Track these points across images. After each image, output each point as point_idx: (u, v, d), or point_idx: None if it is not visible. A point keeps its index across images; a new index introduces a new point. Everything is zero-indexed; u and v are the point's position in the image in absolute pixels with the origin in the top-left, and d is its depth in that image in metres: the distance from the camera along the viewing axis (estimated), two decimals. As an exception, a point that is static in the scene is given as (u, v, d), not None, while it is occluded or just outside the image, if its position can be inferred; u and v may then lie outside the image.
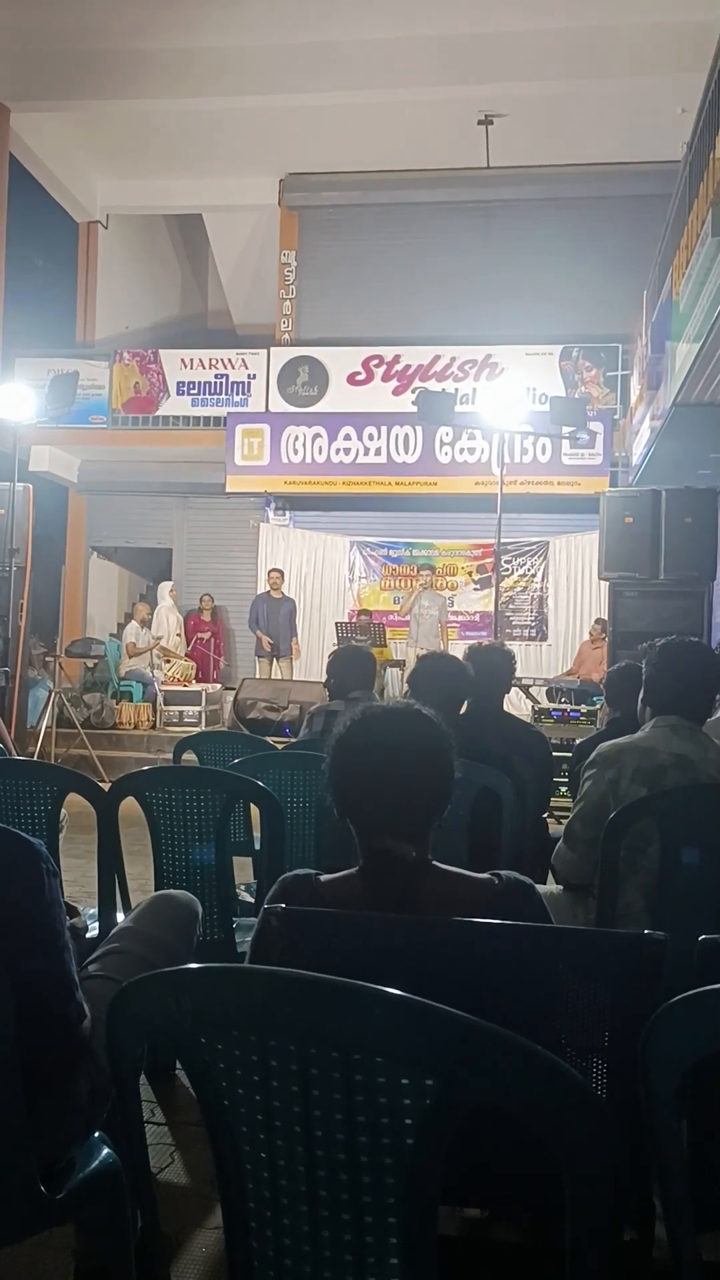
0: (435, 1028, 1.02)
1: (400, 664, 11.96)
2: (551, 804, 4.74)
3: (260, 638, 11.93)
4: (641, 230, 11.54)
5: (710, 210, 5.53)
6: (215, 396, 12.93)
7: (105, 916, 2.96)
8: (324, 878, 1.77)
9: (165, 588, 12.99)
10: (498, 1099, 1.02)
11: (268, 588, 12.13)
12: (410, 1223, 1.06)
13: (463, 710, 3.97)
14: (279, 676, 11.68)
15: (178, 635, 12.45)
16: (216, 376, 12.97)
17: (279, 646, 11.90)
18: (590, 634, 11.54)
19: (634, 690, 3.13)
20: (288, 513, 13.59)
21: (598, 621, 11.41)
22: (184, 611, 13.36)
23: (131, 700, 11.42)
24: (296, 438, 12.44)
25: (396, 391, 12.47)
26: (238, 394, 12.88)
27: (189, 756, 4.83)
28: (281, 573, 12.31)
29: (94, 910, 3.04)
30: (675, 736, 2.79)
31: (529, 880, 1.79)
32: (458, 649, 9.60)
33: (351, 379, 12.64)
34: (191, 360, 13.05)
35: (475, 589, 13.01)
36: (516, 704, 9.79)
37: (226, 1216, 1.17)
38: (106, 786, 3.18)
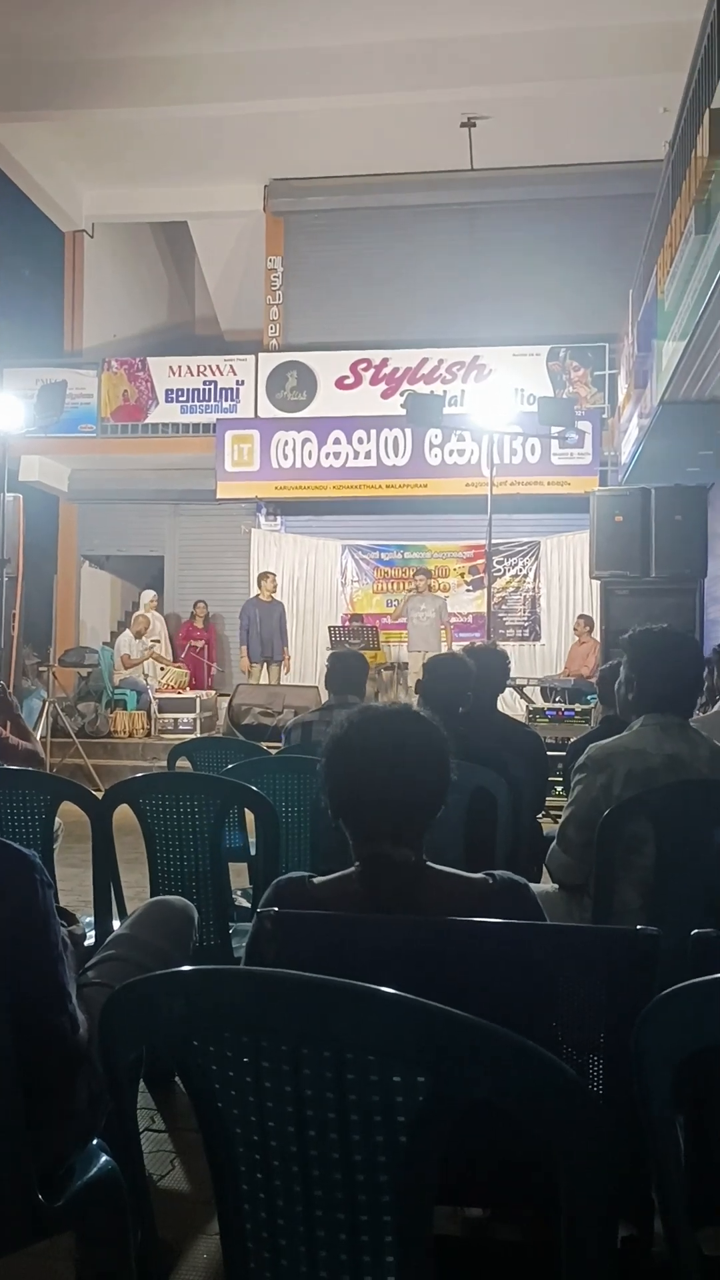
0: (425, 1025, 1.02)
1: (393, 667, 11.96)
2: (546, 803, 4.75)
3: (243, 653, 11.87)
4: (626, 230, 11.57)
5: (693, 209, 5.54)
6: (204, 403, 12.93)
7: (101, 924, 2.96)
8: (318, 879, 1.77)
9: (146, 596, 12.98)
10: (491, 1095, 1.02)
11: (257, 592, 12.09)
12: (405, 1222, 1.06)
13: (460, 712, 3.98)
14: (271, 682, 11.66)
15: (155, 641, 12.42)
16: (205, 383, 12.97)
17: (273, 651, 11.88)
18: (575, 629, 11.56)
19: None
20: (279, 518, 13.58)
21: (581, 618, 11.44)
22: (176, 619, 13.35)
23: (126, 708, 11.40)
24: (286, 443, 12.44)
25: (385, 394, 12.48)
26: (226, 400, 12.88)
27: (183, 763, 4.83)
28: (274, 576, 12.30)
29: (90, 918, 3.04)
30: (666, 736, 2.77)
31: (522, 879, 1.80)
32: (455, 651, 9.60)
33: (340, 383, 12.64)
34: (180, 367, 13.06)
35: (468, 590, 13.01)
36: (511, 704, 9.79)
37: (222, 1218, 1.17)
38: (101, 795, 3.18)
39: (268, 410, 12.71)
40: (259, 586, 12.09)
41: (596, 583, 9.80)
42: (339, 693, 4.48)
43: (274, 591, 12.11)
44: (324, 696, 5.52)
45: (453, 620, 12.11)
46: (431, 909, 1.67)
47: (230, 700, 10.83)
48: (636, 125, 11.10)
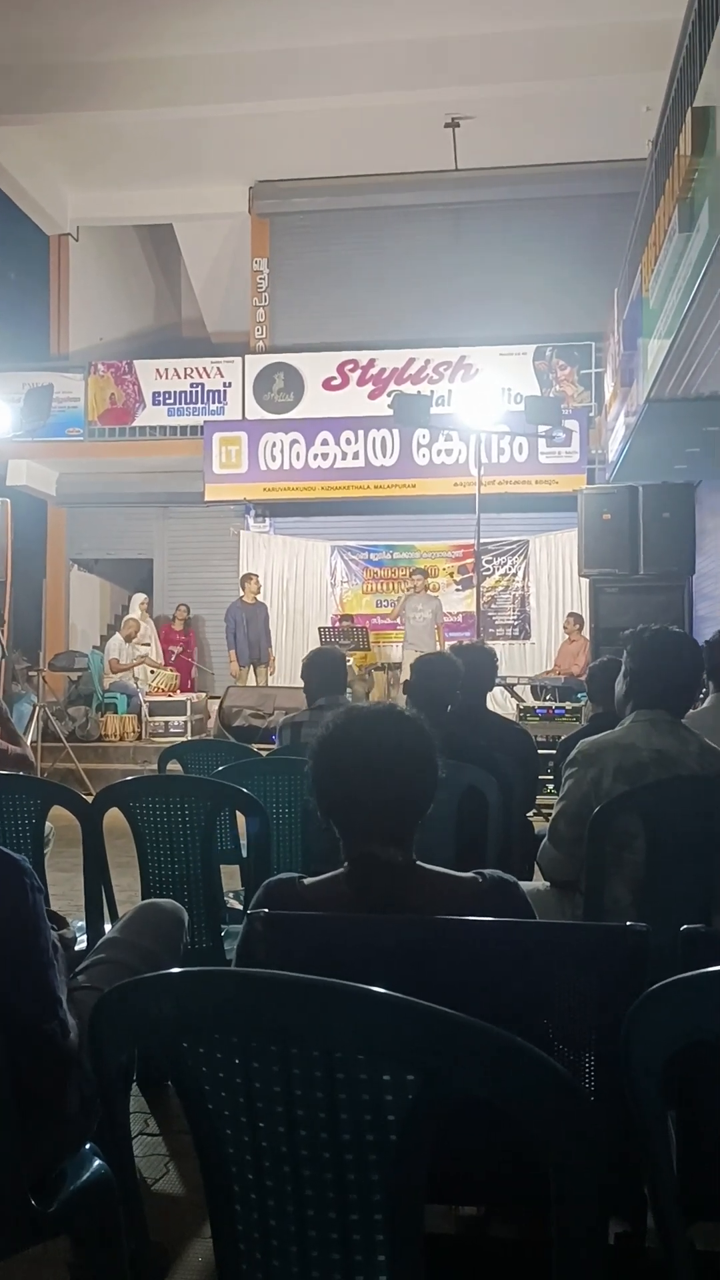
0: (413, 1023, 1.02)
1: (386, 667, 11.97)
2: (537, 801, 4.76)
3: (233, 657, 11.84)
4: (611, 228, 11.60)
5: (676, 207, 5.54)
6: (191, 405, 12.92)
7: (92, 928, 2.95)
8: (308, 880, 1.77)
9: (137, 600, 12.98)
10: (481, 1093, 1.02)
11: (241, 594, 12.07)
12: (397, 1220, 1.06)
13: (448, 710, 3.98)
14: (259, 684, 11.65)
15: (145, 645, 12.41)
16: (192, 385, 12.96)
17: (259, 653, 11.87)
18: (564, 628, 11.59)
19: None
20: (267, 519, 13.58)
21: (570, 616, 11.48)
22: (159, 621, 13.36)
23: (116, 712, 11.39)
24: (274, 444, 12.43)
25: (372, 395, 12.49)
26: (214, 402, 12.87)
27: (174, 766, 4.83)
28: (257, 577, 12.30)
29: (82, 923, 3.04)
30: (655, 731, 2.78)
31: (512, 878, 1.80)
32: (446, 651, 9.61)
33: (327, 384, 12.65)
34: (167, 370, 13.04)
35: (457, 590, 13.03)
36: (501, 703, 9.81)
37: (214, 1219, 1.17)
38: (91, 799, 3.18)
39: (255, 412, 12.71)
40: (242, 589, 12.09)
41: (585, 581, 9.83)
42: (325, 693, 4.44)
43: (257, 593, 12.11)
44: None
45: (444, 620, 12.13)
46: (420, 908, 1.67)
47: (221, 703, 10.82)
48: (620, 124, 11.13)
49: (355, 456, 12.29)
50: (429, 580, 12.57)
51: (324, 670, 4.43)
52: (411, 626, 11.54)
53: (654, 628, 2.92)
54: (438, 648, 10.53)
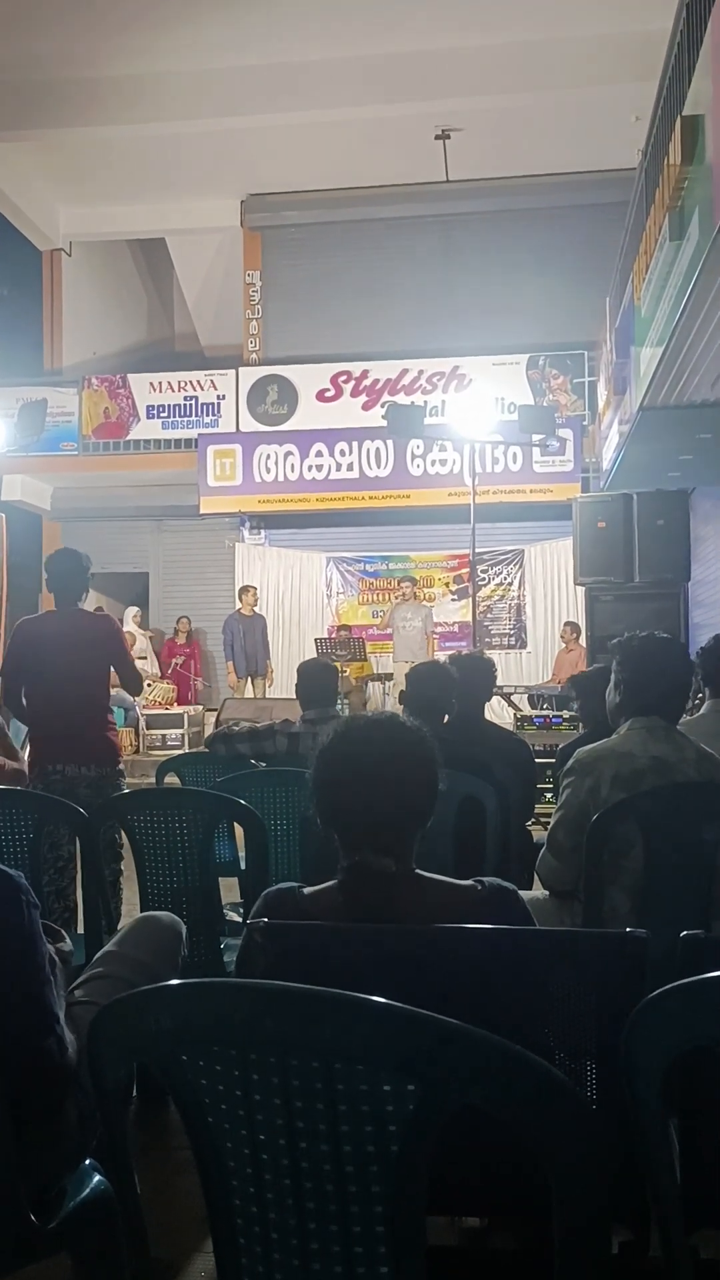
0: (414, 1032, 1.01)
1: (382, 677, 11.97)
2: (536, 810, 4.75)
3: (230, 669, 11.81)
4: (602, 238, 11.62)
5: (666, 216, 5.56)
6: (185, 419, 12.94)
7: (92, 942, 2.94)
8: (306, 890, 1.77)
9: (129, 613, 12.97)
10: (481, 1102, 1.02)
11: (239, 606, 12.07)
12: (399, 1231, 1.06)
13: (444, 720, 3.97)
14: (256, 696, 11.64)
15: (140, 658, 12.39)
16: (186, 399, 12.99)
17: (257, 665, 11.86)
18: (561, 636, 11.59)
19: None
20: (263, 531, 13.59)
21: (567, 624, 11.48)
22: (162, 635, 13.32)
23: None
24: (268, 456, 12.45)
25: (366, 406, 12.51)
26: (208, 415, 12.90)
27: (171, 779, 4.82)
28: (254, 590, 12.30)
29: (82, 934, 3.03)
30: (652, 739, 2.78)
31: (511, 886, 1.79)
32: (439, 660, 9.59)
33: (321, 396, 12.67)
34: (160, 383, 13.07)
35: (453, 600, 13.04)
36: (499, 712, 9.80)
37: (215, 1233, 1.16)
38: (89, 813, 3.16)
39: (249, 424, 12.73)
40: (240, 601, 12.08)
41: (581, 589, 9.84)
42: (314, 706, 4.42)
43: (255, 605, 12.11)
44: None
45: (438, 630, 12.12)
46: (413, 916, 1.66)
47: (218, 715, 10.80)
48: (609, 134, 11.18)
49: (350, 468, 12.31)
50: (420, 590, 12.57)
51: (310, 682, 4.43)
52: (401, 636, 11.52)
53: (641, 635, 2.92)
54: (429, 657, 10.52)
